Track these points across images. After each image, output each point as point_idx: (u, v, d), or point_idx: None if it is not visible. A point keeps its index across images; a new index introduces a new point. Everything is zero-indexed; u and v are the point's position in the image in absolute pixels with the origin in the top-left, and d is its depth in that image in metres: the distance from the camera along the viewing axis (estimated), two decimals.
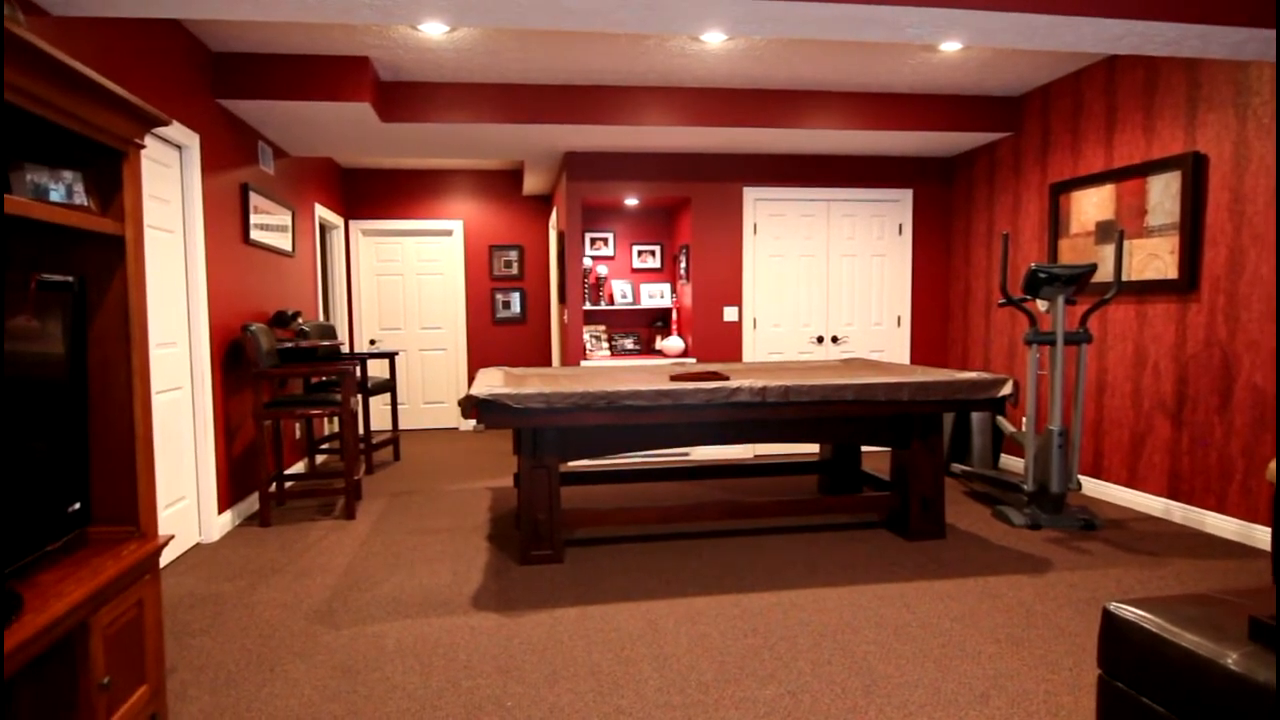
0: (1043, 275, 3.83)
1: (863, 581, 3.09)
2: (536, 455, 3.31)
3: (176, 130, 3.39)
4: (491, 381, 3.46)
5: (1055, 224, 4.73)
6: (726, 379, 3.59)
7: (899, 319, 5.89)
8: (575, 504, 4.36)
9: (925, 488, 3.68)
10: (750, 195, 5.60)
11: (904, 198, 5.81)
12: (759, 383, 3.29)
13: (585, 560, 3.38)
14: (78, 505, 1.73)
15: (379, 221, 6.74)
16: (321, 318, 5.87)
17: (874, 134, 4.96)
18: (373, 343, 6.82)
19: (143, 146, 1.86)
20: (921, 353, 5.93)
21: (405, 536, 3.76)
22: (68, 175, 1.68)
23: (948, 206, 5.88)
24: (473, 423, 6.98)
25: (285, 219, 4.93)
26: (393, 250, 6.84)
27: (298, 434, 5.13)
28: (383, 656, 2.46)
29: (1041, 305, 4.40)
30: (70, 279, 1.71)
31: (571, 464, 5.16)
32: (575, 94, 4.53)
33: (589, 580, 3.13)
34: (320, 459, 5.65)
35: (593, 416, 3.17)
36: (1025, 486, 3.95)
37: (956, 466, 4.73)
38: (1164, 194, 3.97)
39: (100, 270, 1.81)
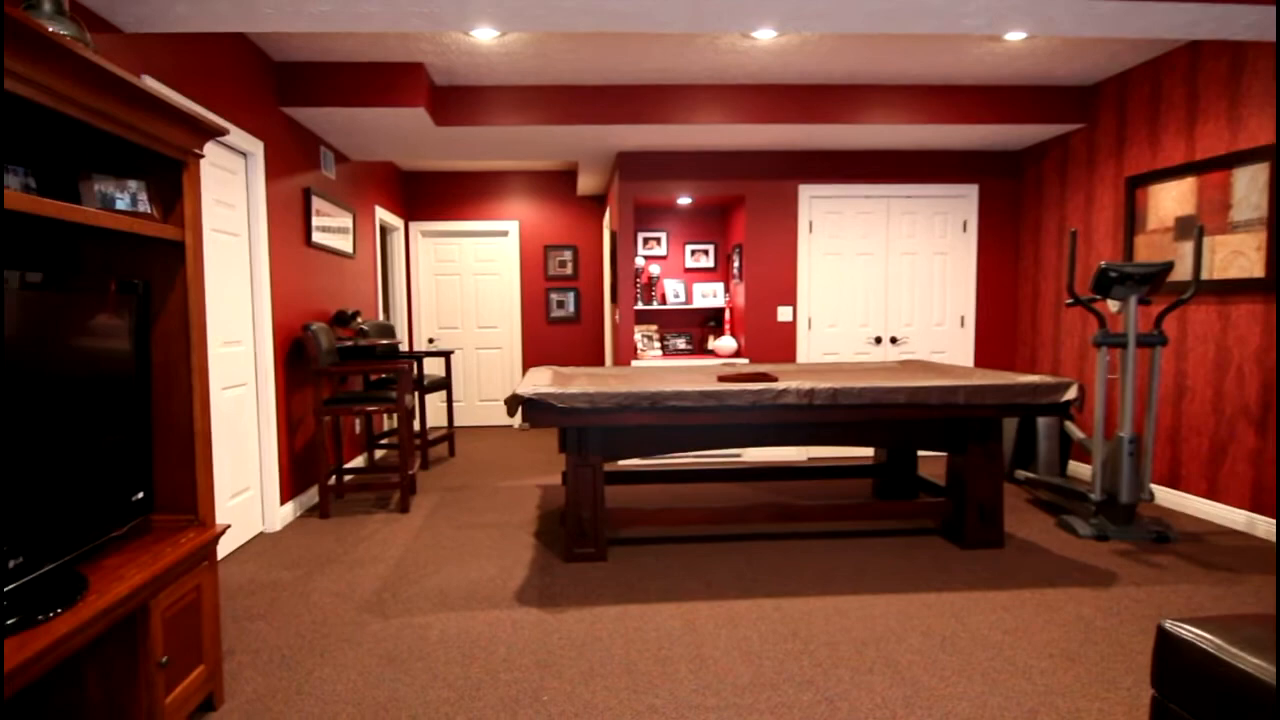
0: (1113, 274, 3.64)
1: (912, 590, 3.01)
2: (581, 454, 3.34)
3: (241, 138, 3.56)
4: (539, 380, 3.51)
5: (1131, 220, 4.49)
6: (775, 380, 3.54)
7: (962, 319, 5.69)
8: (622, 503, 4.38)
9: (982, 494, 3.55)
10: (805, 193, 5.51)
11: (969, 193, 5.61)
12: (806, 384, 3.23)
13: (629, 559, 3.39)
14: (141, 495, 1.84)
15: (438, 223, 6.92)
16: (381, 317, 6.06)
17: (936, 128, 4.81)
18: (431, 341, 7.01)
19: (201, 156, 1.96)
20: (986, 355, 5.72)
21: (455, 531, 3.85)
22: (132, 184, 1.79)
23: (1016, 202, 5.65)
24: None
25: (346, 221, 5.12)
26: (451, 251, 7.01)
27: (357, 429, 5.32)
28: (426, 647, 2.53)
29: (1112, 306, 4.19)
30: (137, 282, 1.82)
31: (619, 463, 5.18)
32: (626, 94, 4.54)
33: (631, 579, 3.14)
34: (379, 454, 5.84)
35: (636, 417, 3.18)
36: (1092, 496, 3.77)
37: (1021, 473, 4.54)
38: (1250, 187, 3.72)
39: (162, 274, 1.92)
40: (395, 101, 4.03)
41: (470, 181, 6.95)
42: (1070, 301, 3.88)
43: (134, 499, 1.81)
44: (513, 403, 3.11)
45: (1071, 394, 3.42)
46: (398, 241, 6.65)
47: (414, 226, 6.90)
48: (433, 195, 6.94)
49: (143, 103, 1.71)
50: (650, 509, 3.47)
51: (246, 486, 3.69)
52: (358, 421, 5.31)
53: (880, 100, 4.67)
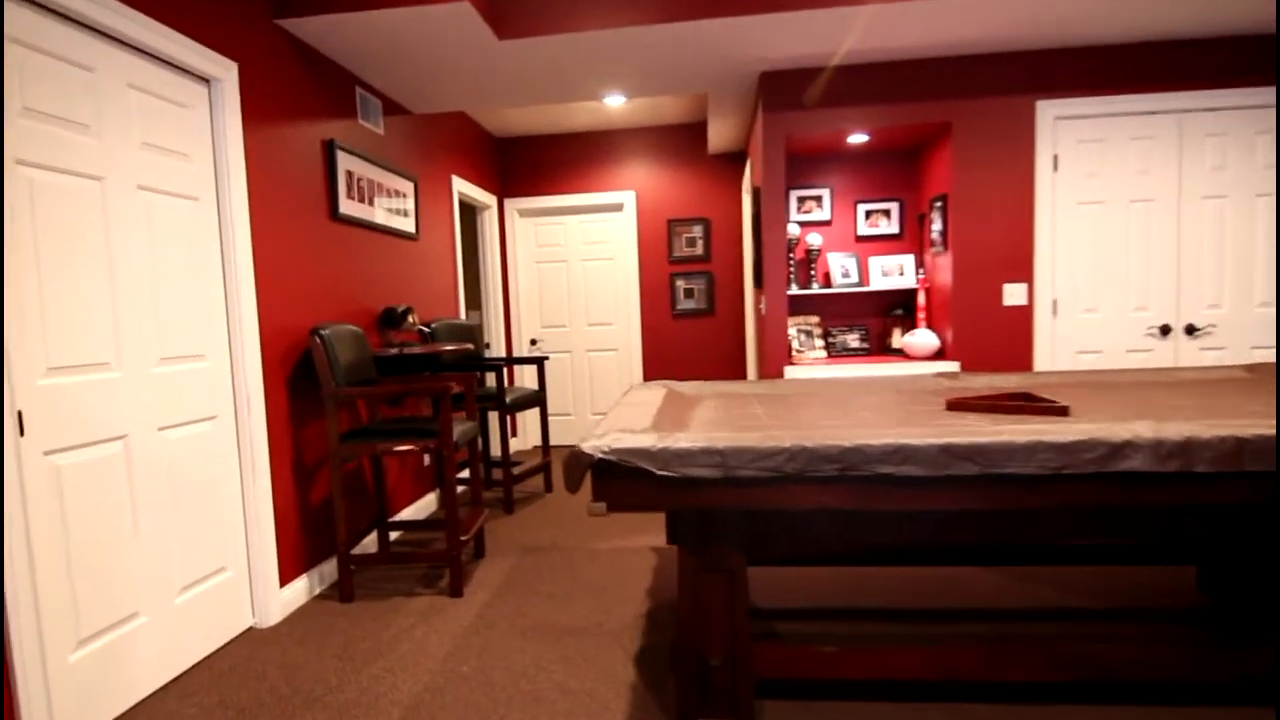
0: None
1: None
2: (705, 553, 1.86)
3: (197, 55, 2.39)
4: (633, 415, 2.06)
5: None
6: (1065, 411, 1.89)
7: None
8: (769, 599, 2.83)
9: None
10: (1047, 112, 3.67)
11: None
12: (1168, 432, 1.55)
13: None
14: None
15: (538, 199, 5.66)
16: (463, 316, 4.87)
17: None
18: (534, 343, 5.77)
19: None
20: None
21: (514, 641, 2.49)
22: None
23: None
24: None
25: (405, 192, 3.93)
26: (554, 233, 5.72)
27: (426, 461, 4.13)
28: None
29: None
30: None
31: None
32: None
33: None
34: (460, 489, 4.65)
35: (812, 495, 1.65)
36: None
37: None
38: None
39: None
40: None
41: (575, 145, 5.62)
42: None
43: None
44: (575, 469, 1.67)
45: None
46: (490, 223, 5.45)
47: (509, 204, 5.68)
48: (531, 164, 5.68)
49: None
50: (824, 644, 1.92)
51: (220, 567, 2.54)
52: (426, 455, 4.12)
53: None
